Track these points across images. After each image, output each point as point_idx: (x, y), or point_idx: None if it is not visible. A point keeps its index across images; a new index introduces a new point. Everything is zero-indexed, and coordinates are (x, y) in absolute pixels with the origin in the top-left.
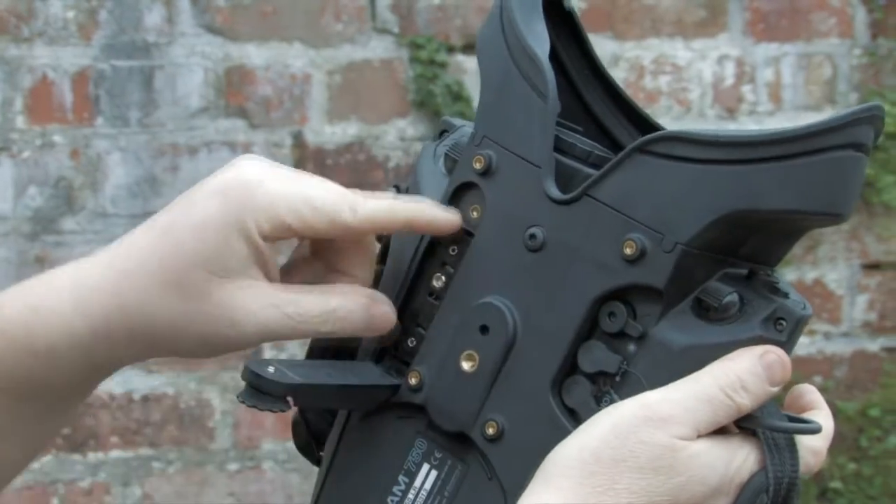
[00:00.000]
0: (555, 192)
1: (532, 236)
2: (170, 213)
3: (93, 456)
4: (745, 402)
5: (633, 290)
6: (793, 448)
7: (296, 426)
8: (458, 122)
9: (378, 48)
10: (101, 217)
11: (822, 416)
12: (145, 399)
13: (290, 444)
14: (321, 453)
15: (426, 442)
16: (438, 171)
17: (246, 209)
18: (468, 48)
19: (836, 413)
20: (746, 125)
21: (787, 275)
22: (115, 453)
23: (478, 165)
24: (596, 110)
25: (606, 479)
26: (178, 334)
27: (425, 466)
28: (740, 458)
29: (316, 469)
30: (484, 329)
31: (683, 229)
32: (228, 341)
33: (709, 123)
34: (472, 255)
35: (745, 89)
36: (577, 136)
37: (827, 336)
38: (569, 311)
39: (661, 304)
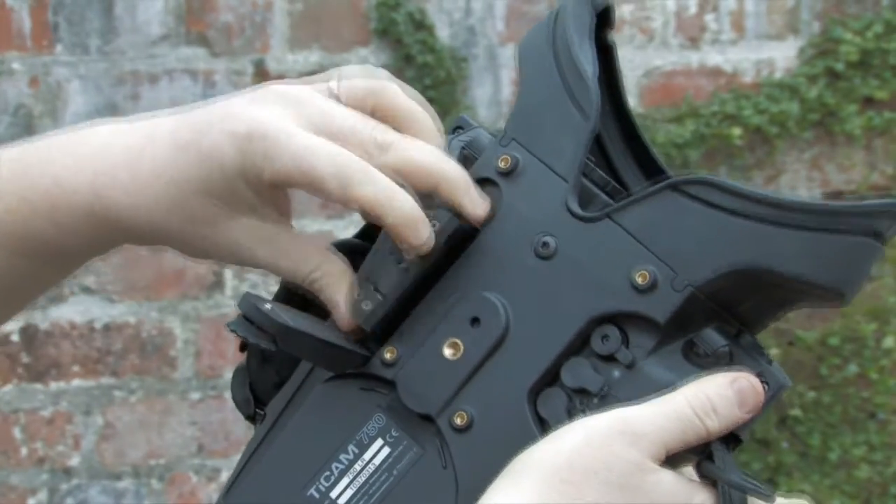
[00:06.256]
0: (576, 207)
1: (545, 244)
2: (194, 127)
3: (55, 385)
4: (715, 425)
5: (633, 318)
6: None
7: (237, 375)
8: (473, 122)
9: None
10: None
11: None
12: (107, 328)
13: None
14: (257, 410)
15: (385, 418)
16: None
17: (257, 161)
18: None
19: (796, 342)
20: (709, 55)
21: None
22: (77, 382)
23: (502, 164)
24: (608, 146)
25: (575, 488)
26: (184, 245)
27: (378, 441)
28: (698, 501)
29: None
30: (475, 321)
31: (698, 272)
32: (231, 261)
33: (672, 53)
34: (476, 249)
35: (708, 18)
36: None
37: None
38: (563, 324)
39: (655, 338)
